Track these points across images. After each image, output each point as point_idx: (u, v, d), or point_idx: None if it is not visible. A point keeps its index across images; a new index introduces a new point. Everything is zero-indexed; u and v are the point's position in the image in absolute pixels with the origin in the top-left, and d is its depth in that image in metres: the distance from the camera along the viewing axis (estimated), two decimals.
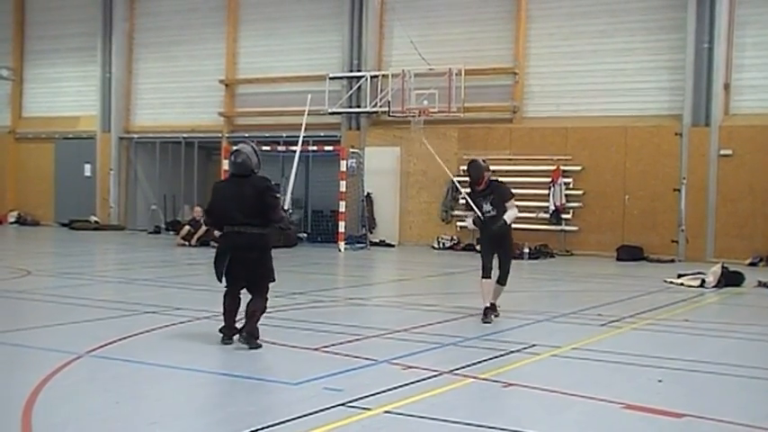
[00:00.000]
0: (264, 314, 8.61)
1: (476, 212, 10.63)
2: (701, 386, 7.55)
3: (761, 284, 15.18)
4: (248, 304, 8.53)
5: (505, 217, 10.52)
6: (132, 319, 10.13)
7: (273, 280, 8.69)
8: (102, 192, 28.92)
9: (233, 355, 8.23)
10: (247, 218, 8.45)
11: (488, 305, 10.50)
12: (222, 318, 8.63)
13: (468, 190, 10.89)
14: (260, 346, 8.29)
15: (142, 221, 28.26)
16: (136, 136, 28.81)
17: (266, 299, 8.59)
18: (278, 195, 8.77)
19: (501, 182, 11.06)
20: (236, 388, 6.98)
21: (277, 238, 21.92)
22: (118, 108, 28.83)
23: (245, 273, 8.55)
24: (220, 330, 8.55)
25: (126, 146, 29.02)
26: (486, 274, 10.64)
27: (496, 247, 10.72)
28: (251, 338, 8.29)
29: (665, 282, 15.36)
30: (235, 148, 8.82)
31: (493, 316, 10.48)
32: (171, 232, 24.90)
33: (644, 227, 20.86)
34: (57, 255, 20.97)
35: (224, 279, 8.62)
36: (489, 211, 10.61)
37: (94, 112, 29.09)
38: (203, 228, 21.70)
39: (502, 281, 10.82)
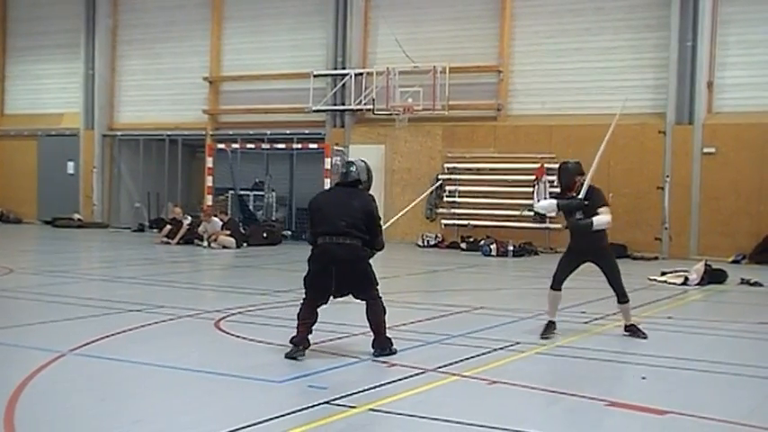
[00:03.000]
0: (248, 312, 8.56)
1: (546, 201, 9.79)
2: (685, 383, 7.59)
3: (743, 282, 15.26)
4: (368, 316, 8.09)
5: (594, 219, 9.29)
6: (116, 317, 10.07)
7: (378, 284, 8.20)
8: (85, 189, 28.77)
9: (217, 353, 8.21)
10: (349, 227, 7.94)
11: (552, 320, 9.54)
12: (296, 328, 7.93)
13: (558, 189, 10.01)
14: (395, 352, 8.05)
15: (126, 219, 28.12)
16: (120, 133, 28.67)
17: (380, 298, 8.15)
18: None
19: (597, 188, 9.61)
20: (220, 386, 6.95)
21: (261, 236, 22.06)
22: (101, 105, 28.67)
23: (347, 285, 8.04)
24: (292, 341, 7.89)
25: (110, 143, 28.87)
26: (555, 284, 9.62)
27: (588, 258, 9.55)
28: (384, 351, 8.02)
29: (649, 279, 15.41)
30: (349, 160, 8.57)
31: (553, 332, 9.37)
32: (155, 230, 24.80)
33: (628, 224, 20.87)
34: (40, 252, 20.85)
35: (310, 289, 8.04)
36: (580, 219, 9.44)
37: (78, 109, 28.93)
38: (185, 227, 21.68)
39: (620, 299, 9.57)
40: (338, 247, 7.94)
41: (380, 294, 8.21)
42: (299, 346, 7.83)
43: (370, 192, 8.39)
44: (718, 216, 20.14)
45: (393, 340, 8.20)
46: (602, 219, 9.34)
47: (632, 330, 9.55)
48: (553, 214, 9.86)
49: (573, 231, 9.58)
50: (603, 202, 9.46)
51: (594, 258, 9.54)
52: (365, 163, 8.44)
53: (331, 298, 8.16)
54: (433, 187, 20.68)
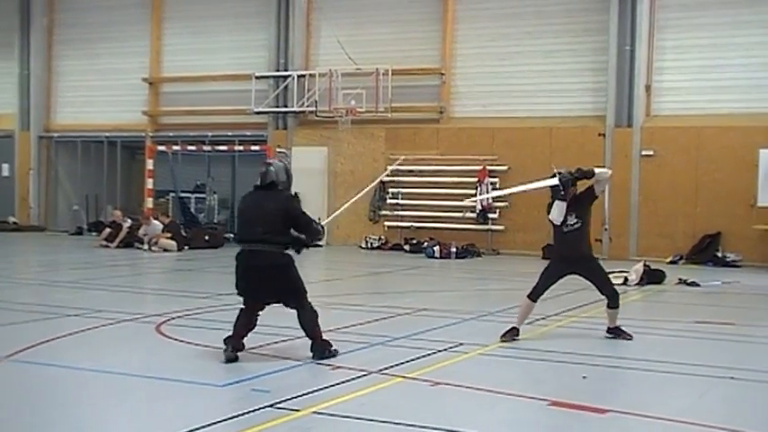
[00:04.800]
0: (189, 315, 8.47)
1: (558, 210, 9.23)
2: (625, 382, 7.71)
3: (681, 282, 15.55)
4: (301, 324, 8.00)
5: (596, 169, 9.27)
6: (54, 323, 9.90)
7: (305, 291, 8.07)
8: (21, 192, 28.20)
9: (159, 358, 8.11)
10: (266, 233, 7.82)
11: (516, 326, 9.33)
12: (233, 329, 7.98)
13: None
14: (336, 353, 7.97)
15: (63, 222, 27.64)
16: (56, 135, 28.16)
17: (309, 304, 8.03)
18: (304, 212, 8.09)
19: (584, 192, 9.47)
20: (162, 391, 6.86)
21: (203, 239, 21.84)
22: (37, 106, 28.14)
23: (270, 293, 7.92)
24: (225, 341, 7.86)
25: (46, 145, 28.34)
26: (534, 295, 9.39)
27: (573, 269, 9.39)
28: (324, 355, 7.91)
29: None
30: (267, 161, 8.31)
31: (513, 338, 9.21)
32: (93, 233, 24.43)
33: None
34: None
35: (240, 294, 8.10)
36: (574, 224, 9.29)
37: (13, 110, 28.33)
38: (125, 229, 21.40)
39: (612, 303, 9.45)
40: (253, 255, 7.92)
41: (309, 300, 8.08)
42: (228, 345, 7.78)
43: (294, 190, 8.31)
44: (656, 217, 20.49)
45: (332, 342, 8.14)
46: (603, 170, 9.40)
47: (616, 332, 9.50)
48: (564, 212, 9.27)
49: (560, 238, 9.34)
50: (593, 198, 9.42)
51: (580, 269, 9.41)
52: (284, 163, 8.31)
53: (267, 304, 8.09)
54: (375, 184, 20.24)
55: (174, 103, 26.45)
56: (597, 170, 9.32)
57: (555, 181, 9.28)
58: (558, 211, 9.24)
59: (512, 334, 9.27)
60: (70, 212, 27.78)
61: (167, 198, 24.46)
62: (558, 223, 9.31)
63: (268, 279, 7.90)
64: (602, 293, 9.50)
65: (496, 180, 21.83)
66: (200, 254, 20.24)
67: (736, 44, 20.30)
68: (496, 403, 6.65)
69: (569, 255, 9.38)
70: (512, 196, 21.70)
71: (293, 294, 8.02)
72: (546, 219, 9.46)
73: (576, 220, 9.28)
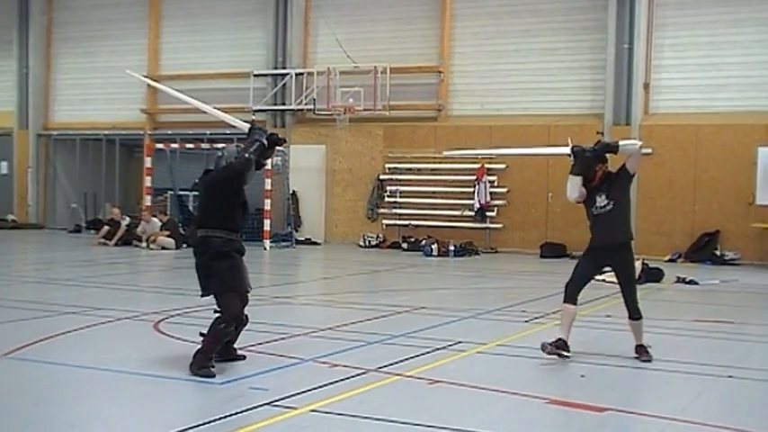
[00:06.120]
0: (187, 313, 8.41)
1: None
2: (623, 381, 7.70)
3: (679, 280, 15.56)
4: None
5: (622, 141, 8.23)
6: (52, 320, 9.88)
7: (227, 288, 7.53)
8: (19, 190, 28.20)
9: (157, 356, 8.09)
10: (203, 218, 7.68)
11: (563, 338, 8.12)
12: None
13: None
14: (211, 375, 7.00)
15: (62, 220, 27.62)
16: (55, 133, 28.16)
17: (224, 315, 7.40)
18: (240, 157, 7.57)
19: (618, 170, 8.35)
20: (160, 389, 6.86)
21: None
22: (36, 104, 28.14)
23: (201, 284, 7.57)
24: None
25: (45, 143, 28.34)
26: (570, 298, 8.22)
27: (608, 261, 8.39)
28: (193, 369, 7.11)
29: None
30: (221, 147, 7.83)
31: (566, 354, 8.02)
32: (92, 231, 24.43)
33: (567, 224, 21.10)
34: None
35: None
36: (605, 206, 8.27)
37: (11, 108, 28.34)
38: (123, 227, 21.40)
39: (633, 315, 8.30)
40: (195, 241, 7.79)
41: (230, 305, 7.47)
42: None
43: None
44: (654, 216, 20.48)
45: (213, 365, 7.23)
46: (629, 142, 8.44)
47: (640, 353, 8.27)
48: (579, 187, 8.31)
49: (592, 223, 8.37)
50: (629, 178, 8.43)
51: (616, 261, 8.31)
52: (237, 148, 7.97)
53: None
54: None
55: (172, 101, 26.34)
56: (622, 142, 8.37)
57: (567, 150, 8.38)
58: (571, 187, 8.23)
59: (564, 345, 8.13)
60: (68, 210, 27.76)
61: (165, 196, 24.41)
62: (573, 200, 8.32)
63: (197, 266, 7.69)
64: (624, 299, 8.31)
65: (494, 178, 21.84)
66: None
67: (734, 42, 20.32)
68: (494, 402, 6.65)
69: (602, 241, 8.29)
70: (509, 194, 21.78)
71: (209, 287, 7.62)
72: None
73: (606, 202, 8.26)
